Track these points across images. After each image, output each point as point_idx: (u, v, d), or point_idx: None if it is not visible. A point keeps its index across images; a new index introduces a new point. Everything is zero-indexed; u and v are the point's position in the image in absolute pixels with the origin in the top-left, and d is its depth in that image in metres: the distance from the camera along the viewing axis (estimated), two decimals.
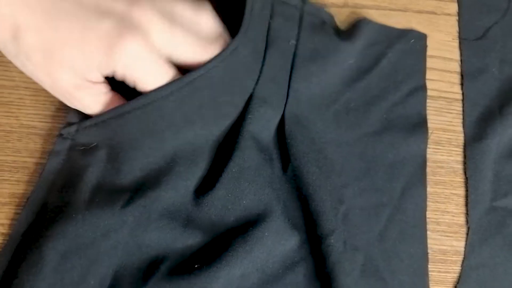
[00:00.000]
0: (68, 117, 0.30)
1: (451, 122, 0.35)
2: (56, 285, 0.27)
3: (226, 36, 0.30)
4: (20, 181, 0.30)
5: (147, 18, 0.26)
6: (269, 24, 0.33)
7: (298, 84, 0.33)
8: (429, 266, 0.31)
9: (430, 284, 0.31)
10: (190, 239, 0.29)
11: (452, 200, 0.33)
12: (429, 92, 0.35)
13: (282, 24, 0.33)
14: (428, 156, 0.33)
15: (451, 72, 0.36)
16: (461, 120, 0.35)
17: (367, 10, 0.37)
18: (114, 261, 0.28)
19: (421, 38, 0.36)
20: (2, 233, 0.29)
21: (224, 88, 0.30)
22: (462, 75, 0.36)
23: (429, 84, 0.35)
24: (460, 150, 0.34)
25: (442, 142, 0.34)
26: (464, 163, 0.34)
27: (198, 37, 0.28)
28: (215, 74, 0.29)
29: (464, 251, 0.32)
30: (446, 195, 0.33)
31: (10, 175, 0.30)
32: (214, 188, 0.30)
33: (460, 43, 0.37)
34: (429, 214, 0.32)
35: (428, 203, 0.32)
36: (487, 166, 0.33)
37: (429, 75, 0.35)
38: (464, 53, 0.36)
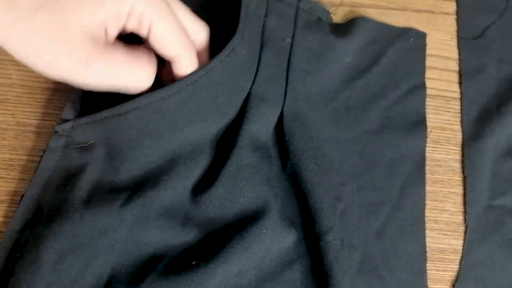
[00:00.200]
0: (63, 113, 0.30)
1: (449, 120, 0.35)
2: (53, 284, 0.27)
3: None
4: (16, 179, 0.30)
5: None
6: (264, 22, 0.33)
7: (295, 82, 0.33)
8: (427, 264, 0.31)
9: (429, 282, 0.31)
10: (188, 237, 0.29)
11: (450, 198, 0.33)
12: (427, 91, 0.35)
13: (277, 22, 0.33)
14: (426, 154, 0.34)
15: (449, 71, 0.36)
16: (459, 119, 0.35)
17: (366, 9, 0.37)
18: (112, 259, 0.28)
19: (421, 36, 0.36)
20: (5, 231, 0.29)
21: (223, 88, 0.30)
22: (460, 74, 0.36)
23: (427, 83, 0.35)
24: (458, 148, 0.34)
25: (441, 140, 0.35)
26: (462, 161, 0.34)
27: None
28: (214, 74, 0.29)
29: (462, 250, 0.32)
30: (444, 194, 0.33)
31: (6, 173, 0.30)
32: (212, 186, 0.30)
33: (458, 42, 0.37)
34: (427, 213, 0.32)
35: (426, 202, 0.33)
36: (485, 164, 0.34)
37: (427, 74, 0.36)
38: (462, 52, 0.37)
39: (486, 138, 0.34)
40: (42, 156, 0.29)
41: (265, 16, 0.33)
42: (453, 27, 0.37)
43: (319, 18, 0.35)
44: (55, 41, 0.24)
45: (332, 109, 0.34)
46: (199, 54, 0.30)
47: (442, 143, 0.35)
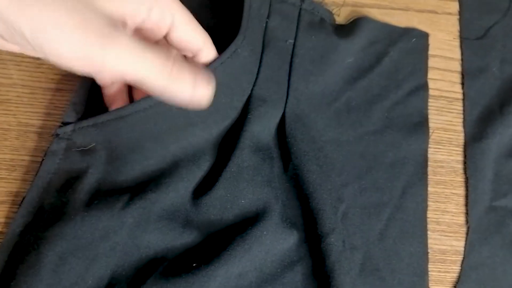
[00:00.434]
0: (65, 116, 0.30)
1: (451, 121, 0.35)
2: (54, 286, 0.27)
3: None
4: (17, 180, 0.30)
5: None
6: (267, 23, 0.33)
7: (297, 83, 0.33)
8: (428, 265, 0.31)
9: (430, 284, 0.31)
10: (189, 239, 0.30)
11: (452, 199, 0.33)
12: (430, 92, 0.35)
13: (279, 23, 0.33)
14: (428, 155, 0.34)
15: (452, 71, 0.37)
16: (461, 120, 0.35)
17: (368, 9, 0.37)
18: (113, 262, 0.28)
19: (423, 36, 0.37)
20: (0, 232, 0.29)
21: (224, 90, 0.31)
22: (463, 75, 0.36)
23: (430, 84, 0.36)
24: (460, 149, 0.35)
25: (443, 141, 0.35)
26: (465, 162, 0.34)
27: None
28: (216, 76, 0.30)
29: (464, 251, 0.32)
30: (446, 195, 0.34)
31: (7, 173, 0.30)
32: (213, 188, 0.30)
33: (461, 42, 0.37)
34: (429, 214, 0.33)
35: (428, 203, 0.33)
36: (487, 165, 0.34)
37: (430, 74, 0.36)
38: (465, 52, 0.37)
39: (489, 139, 0.34)
40: (43, 158, 0.29)
41: (268, 17, 0.33)
42: (456, 28, 0.38)
43: (322, 19, 0.35)
44: (75, 16, 0.23)
45: (334, 110, 0.34)
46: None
47: (444, 144, 0.35)
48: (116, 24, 0.24)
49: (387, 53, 0.35)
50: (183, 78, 0.25)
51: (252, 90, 0.32)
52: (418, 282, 0.31)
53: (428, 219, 0.33)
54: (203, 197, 0.30)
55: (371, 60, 0.35)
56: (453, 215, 0.33)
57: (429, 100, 0.35)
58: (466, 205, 0.33)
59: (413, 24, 0.37)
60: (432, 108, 0.35)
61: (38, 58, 0.31)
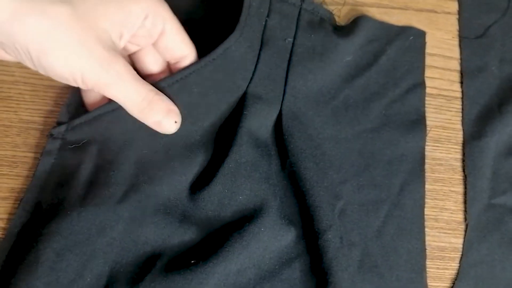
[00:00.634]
0: (59, 116, 0.31)
1: (450, 120, 0.36)
2: (52, 284, 0.27)
3: None
4: (19, 176, 0.31)
5: None
6: (266, 22, 0.34)
7: (295, 81, 0.34)
8: (427, 262, 0.32)
9: (429, 281, 0.32)
10: (186, 235, 0.30)
11: (451, 197, 0.34)
12: (428, 90, 0.36)
13: (279, 22, 0.34)
14: (427, 153, 0.34)
15: (451, 70, 0.37)
16: (460, 118, 0.36)
17: (368, 8, 0.38)
18: (110, 258, 0.29)
19: (420, 35, 0.37)
20: (2, 228, 0.30)
21: (215, 85, 0.31)
22: (462, 73, 0.37)
23: (429, 82, 0.36)
24: (459, 147, 0.35)
25: (442, 139, 0.35)
26: (463, 160, 0.35)
27: None
28: (205, 72, 0.31)
29: (462, 248, 0.33)
30: (444, 193, 0.34)
31: (9, 170, 0.31)
32: (210, 184, 0.31)
33: (460, 41, 0.38)
34: (427, 211, 0.33)
35: (427, 200, 0.33)
36: (486, 164, 0.34)
37: (429, 73, 0.36)
38: (464, 51, 0.37)
39: (487, 137, 0.35)
40: (39, 159, 0.30)
41: (267, 16, 0.34)
42: (455, 27, 0.38)
43: (321, 19, 0.35)
44: (74, 35, 0.24)
45: (332, 108, 0.34)
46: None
47: (443, 142, 0.35)
48: (114, 43, 0.26)
49: (385, 51, 0.36)
50: (153, 114, 0.29)
51: (248, 87, 0.33)
52: (416, 279, 0.31)
53: (427, 217, 0.33)
54: (200, 192, 0.31)
55: (369, 58, 0.36)
56: (451, 213, 0.34)
57: (428, 98, 0.36)
58: (465, 202, 0.34)
59: (412, 23, 0.38)
60: (431, 106, 0.36)
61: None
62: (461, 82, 0.37)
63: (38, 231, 0.28)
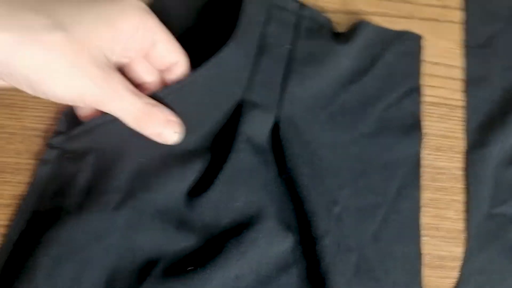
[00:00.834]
0: (57, 126, 0.32)
1: (452, 128, 0.36)
2: None
3: None
4: (21, 183, 0.31)
5: None
6: (264, 29, 0.34)
7: (293, 87, 0.34)
8: (427, 271, 0.32)
9: None
10: (184, 241, 0.31)
11: (452, 206, 0.34)
12: (431, 99, 0.36)
13: (277, 29, 0.34)
14: (429, 162, 0.35)
15: (454, 79, 0.38)
16: (463, 127, 0.36)
17: (371, 17, 0.38)
18: (107, 265, 0.29)
19: (417, 39, 0.37)
20: (3, 234, 0.30)
21: (211, 93, 0.32)
22: (465, 82, 0.37)
23: (431, 91, 0.37)
24: (461, 156, 0.36)
25: (444, 148, 0.36)
26: (465, 169, 0.35)
27: None
28: (202, 80, 0.31)
29: (463, 257, 0.33)
30: (446, 201, 0.34)
31: (12, 177, 0.32)
32: (207, 190, 0.31)
33: (463, 50, 0.38)
34: (428, 220, 0.34)
35: (428, 209, 0.34)
36: (488, 173, 0.35)
37: (432, 81, 0.37)
38: (467, 60, 0.38)
39: (490, 146, 0.35)
40: (37, 168, 0.31)
41: (265, 23, 0.34)
42: (458, 36, 0.39)
43: (320, 26, 0.36)
44: (70, 59, 0.26)
45: (329, 113, 0.35)
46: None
47: (445, 151, 0.36)
48: (107, 60, 0.27)
49: (382, 56, 0.36)
50: (152, 125, 0.30)
51: (244, 94, 0.33)
52: (412, 283, 0.32)
53: (428, 225, 0.33)
54: (197, 198, 0.31)
55: (366, 63, 0.36)
56: (452, 222, 0.34)
57: (431, 107, 0.36)
58: (466, 211, 0.34)
59: (416, 32, 0.38)
60: (433, 115, 0.36)
61: None
62: (464, 91, 0.37)
63: (35, 239, 0.29)
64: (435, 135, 0.36)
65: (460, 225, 0.34)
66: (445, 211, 0.34)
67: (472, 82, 0.37)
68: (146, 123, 0.29)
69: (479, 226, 0.34)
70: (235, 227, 0.31)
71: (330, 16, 0.37)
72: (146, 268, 0.30)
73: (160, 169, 0.31)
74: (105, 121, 0.30)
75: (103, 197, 0.30)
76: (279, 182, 0.33)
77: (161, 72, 0.32)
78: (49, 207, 0.30)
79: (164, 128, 0.30)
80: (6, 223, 0.31)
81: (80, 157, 0.31)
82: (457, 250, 0.33)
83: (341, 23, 0.38)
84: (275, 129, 0.33)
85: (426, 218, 0.34)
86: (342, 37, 0.36)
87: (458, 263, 0.33)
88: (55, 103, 0.33)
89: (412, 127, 0.35)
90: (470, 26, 0.39)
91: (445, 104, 0.37)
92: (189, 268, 0.29)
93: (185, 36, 0.34)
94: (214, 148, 0.33)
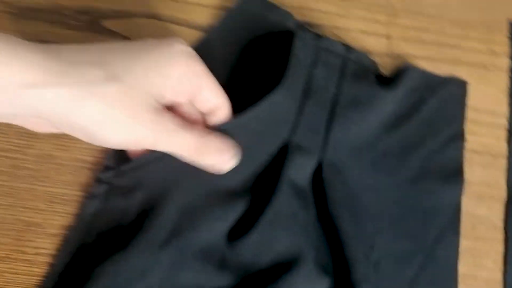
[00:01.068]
0: (106, 161, 0.33)
1: (495, 177, 0.37)
2: None
3: None
4: (69, 214, 0.33)
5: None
6: (310, 72, 0.35)
7: (336, 131, 0.35)
8: None
9: None
10: (223, 281, 0.31)
11: (491, 256, 0.35)
12: (475, 147, 0.37)
13: (324, 72, 0.35)
14: (469, 210, 0.35)
15: (498, 127, 0.38)
16: (505, 176, 0.37)
17: (418, 61, 0.39)
18: None
19: (462, 85, 0.38)
20: (49, 264, 0.32)
21: (257, 135, 0.33)
22: (509, 131, 0.38)
23: (475, 138, 0.37)
24: (502, 206, 0.36)
25: (485, 197, 0.36)
26: (505, 220, 0.35)
27: None
28: (249, 123, 0.32)
29: None
30: (484, 251, 0.35)
31: (61, 207, 0.33)
32: (249, 232, 0.32)
33: (509, 99, 0.38)
34: (466, 269, 0.34)
35: (466, 258, 0.34)
36: None
37: (476, 129, 0.37)
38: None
39: None
40: (85, 201, 0.32)
41: (312, 66, 0.35)
42: (505, 83, 0.39)
43: (366, 69, 0.37)
44: (126, 109, 0.27)
45: (372, 157, 0.35)
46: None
47: (486, 200, 0.36)
48: (157, 103, 0.29)
49: (426, 101, 0.37)
50: (206, 156, 0.31)
51: (290, 137, 0.34)
52: None
53: (465, 274, 0.34)
54: (238, 240, 0.32)
55: (410, 108, 0.37)
56: (490, 272, 0.34)
57: (473, 155, 0.37)
58: (505, 262, 0.34)
59: (462, 77, 0.38)
60: (476, 163, 0.37)
61: None
62: (508, 140, 0.37)
63: (81, 271, 0.30)
64: (477, 183, 0.36)
65: (498, 275, 0.34)
66: (483, 261, 0.35)
67: None
68: (203, 154, 0.30)
69: None
70: (274, 269, 0.32)
71: (375, 58, 0.38)
72: None
73: (204, 208, 0.32)
74: (153, 158, 0.32)
75: (150, 235, 0.31)
76: (318, 226, 0.34)
77: (204, 114, 0.33)
78: (95, 241, 0.31)
79: (220, 156, 0.31)
80: (52, 252, 0.32)
81: (128, 193, 0.32)
82: None
83: (386, 66, 0.38)
84: (317, 171, 0.34)
85: (464, 267, 0.34)
86: (387, 80, 0.37)
87: None
88: None
89: (453, 174, 0.36)
90: None
91: (489, 153, 0.37)
92: None
93: (229, 77, 0.35)
94: (255, 188, 0.34)
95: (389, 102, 0.36)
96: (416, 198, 0.35)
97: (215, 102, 0.32)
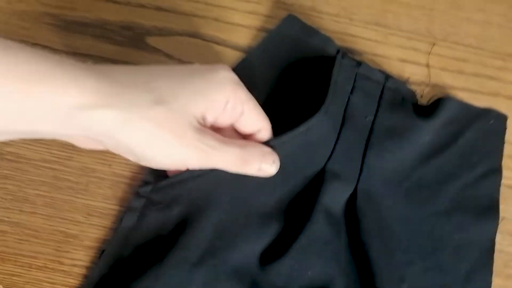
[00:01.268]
0: (145, 176, 0.34)
1: None
2: None
3: None
4: (106, 227, 0.34)
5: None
6: (349, 99, 0.36)
7: (372, 160, 0.35)
8: None
9: None
10: None
11: None
12: (507, 181, 0.37)
13: (361, 99, 0.36)
14: (502, 247, 0.35)
15: None
16: None
17: (457, 92, 0.39)
18: None
19: (502, 118, 0.38)
20: (84, 275, 0.33)
21: (294, 160, 0.34)
22: None
23: (509, 173, 0.37)
24: None
25: None
26: None
27: None
28: (287, 147, 0.33)
29: None
30: None
31: (98, 221, 0.34)
32: (282, 257, 0.33)
33: None
34: None
35: None
36: None
37: (509, 163, 0.37)
38: None
39: None
40: (124, 215, 0.33)
41: (351, 93, 0.36)
42: None
43: (404, 98, 0.37)
44: (172, 130, 0.28)
45: (406, 188, 0.36)
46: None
47: None
48: (200, 123, 0.30)
49: (463, 133, 0.37)
50: (251, 163, 0.32)
51: (326, 163, 0.35)
52: None
53: None
54: (271, 264, 0.33)
55: (447, 139, 0.37)
56: None
57: (507, 189, 0.37)
58: None
59: (501, 110, 0.38)
60: (509, 198, 0.37)
61: None
62: None
63: (115, 285, 0.31)
64: (510, 219, 0.36)
65: None
66: None
67: None
68: (248, 162, 0.31)
69: None
70: None
71: (414, 88, 0.38)
72: None
73: (238, 228, 0.33)
74: (190, 176, 0.32)
75: (185, 252, 0.31)
76: (348, 253, 0.34)
77: (245, 136, 0.34)
78: (131, 255, 0.32)
79: (261, 163, 0.32)
80: (88, 264, 0.33)
81: (165, 209, 0.33)
82: None
83: (425, 96, 0.39)
84: (350, 199, 0.35)
85: None
86: (424, 110, 0.37)
87: None
88: None
89: (488, 210, 0.36)
90: None
91: None
92: None
93: (266, 98, 0.36)
94: (290, 213, 0.34)
95: (425, 133, 0.36)
96: (448, 232, 0.35)
97: (256, 126, 0.32)
